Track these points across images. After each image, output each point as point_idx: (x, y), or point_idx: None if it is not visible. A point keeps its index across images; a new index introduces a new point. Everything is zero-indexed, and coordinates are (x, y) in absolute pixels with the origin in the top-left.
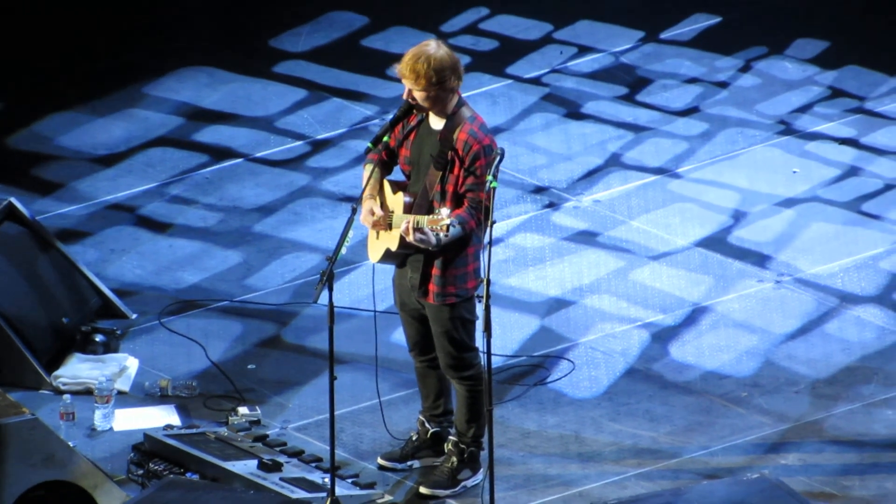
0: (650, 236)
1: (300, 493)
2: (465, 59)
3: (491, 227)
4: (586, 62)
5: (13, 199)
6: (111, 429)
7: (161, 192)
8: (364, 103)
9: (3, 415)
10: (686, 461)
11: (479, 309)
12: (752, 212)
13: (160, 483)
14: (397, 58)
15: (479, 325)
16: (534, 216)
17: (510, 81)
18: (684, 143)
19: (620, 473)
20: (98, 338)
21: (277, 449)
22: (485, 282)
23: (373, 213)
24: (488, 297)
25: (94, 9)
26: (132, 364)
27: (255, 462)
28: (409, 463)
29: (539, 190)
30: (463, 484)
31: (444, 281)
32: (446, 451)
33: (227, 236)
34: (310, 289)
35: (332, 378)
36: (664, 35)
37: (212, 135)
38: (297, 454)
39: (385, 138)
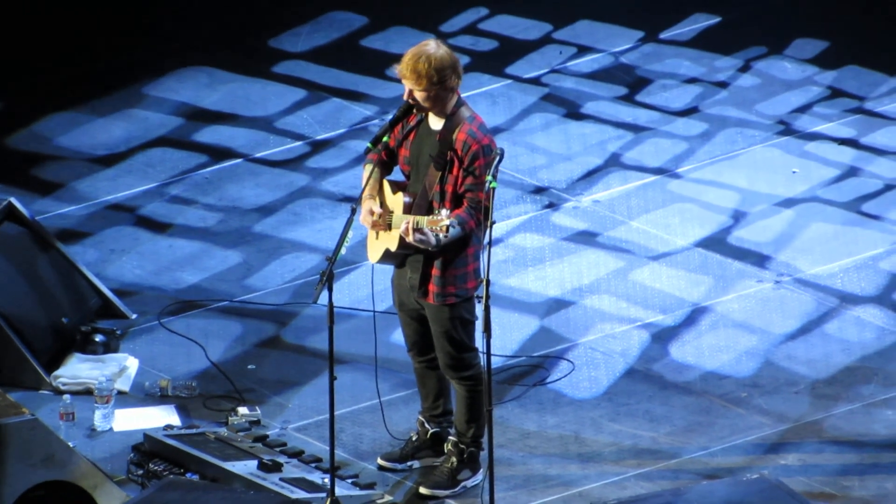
0: (650, 236)
1: (300, 494)
2: (464, 60)
3: (490, 227)
4: (586, 62)
5: (13, 199)
6: (111, 429)
7: (161, 192)
8: (363, 103)
9: (3, 415)
10: (686, 461)
11: (479, 309)
12: (751, 212)
13: (160, 483)
14: (397, 58)
15: (479, 325)
16: (533, 216)
17: (510, 81)
18: (684, 143)
19: (620, 474)
20: (98, 338)
21: (277, 449)
22: (484, 282)
23: (372, 214)
24: (488, 297)
25: (94, 9)
26: (132, 364)
27: (254, 462)
28: (408, 463)
29: (539, 190)
30: (463, 484)
31: (443, 281)
32: (446, 451)
33: (227, 236)
34: (309, 289)
35: (332, 378)
36: (664, 35)
37: (211, 135)
38: (296, 454)
39: (384, 138)
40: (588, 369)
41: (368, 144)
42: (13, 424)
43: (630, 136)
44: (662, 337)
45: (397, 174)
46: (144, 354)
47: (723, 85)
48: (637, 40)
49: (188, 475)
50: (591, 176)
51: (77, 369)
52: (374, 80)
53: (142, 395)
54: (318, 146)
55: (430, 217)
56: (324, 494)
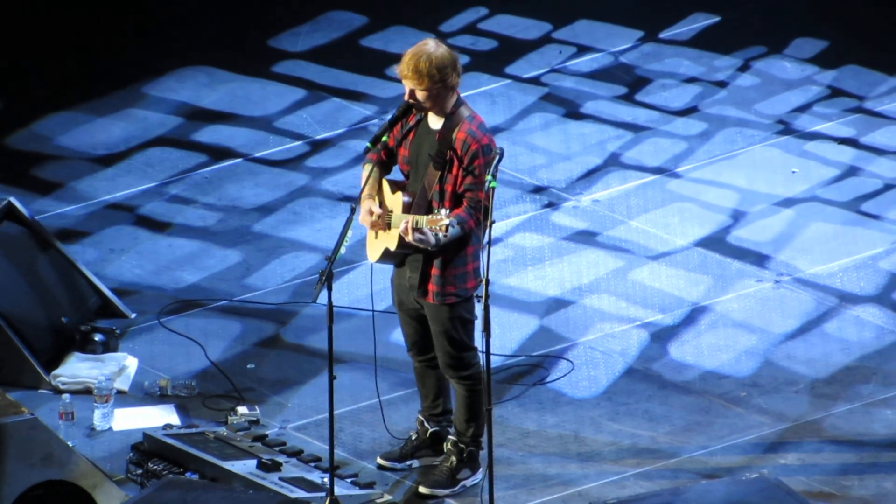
0: (649, 236)
1: (299, 493)
2: (463, 59)
3: (490, 226)
4: (585, 62)
5: (12, 199)
6: (110, 428)
7: (160, 191)
8: (363, 103)
9: (3, 414)
10: (685, 461)
11: (479, 309)
12: (751, 211)
13: (159, 483)
14: (396, 58)
15: (479, 324)
16: (533, 216)
17: (509, 81)
18: (683, 142)
19: (619, 473)
20: (97, 337)
21: (276, 448)
22: (484, 281)
23: (371, 214)
24: (487, 296)
25: (94, 9)
26: (131, 363)
27: (254, 462)
28: (408, 462)
29: (538, 190)
30: (462, 483)
31: (443, 281)
32: (445, 450)
33: (227, 236)
34: (309, 288)
35: (332, 377)
36: (663, 34)
37: (211, 135)
38: (296, 454)
39: (384, 138)
40: (587, 369)
41: (367, 144)
42: (12, 424)
43: (629, 135)
44: (662, 336)
45: (396, 174)
46: (144, 354)
47: (722, 84)
48: (636, 40)
49: (187, 474)
50: (590, 175)
51: (76, 368)
52: (373, 80)
53: (141, 394)
54: (318, 146)
55: (430, 216)
56: (323, 494)
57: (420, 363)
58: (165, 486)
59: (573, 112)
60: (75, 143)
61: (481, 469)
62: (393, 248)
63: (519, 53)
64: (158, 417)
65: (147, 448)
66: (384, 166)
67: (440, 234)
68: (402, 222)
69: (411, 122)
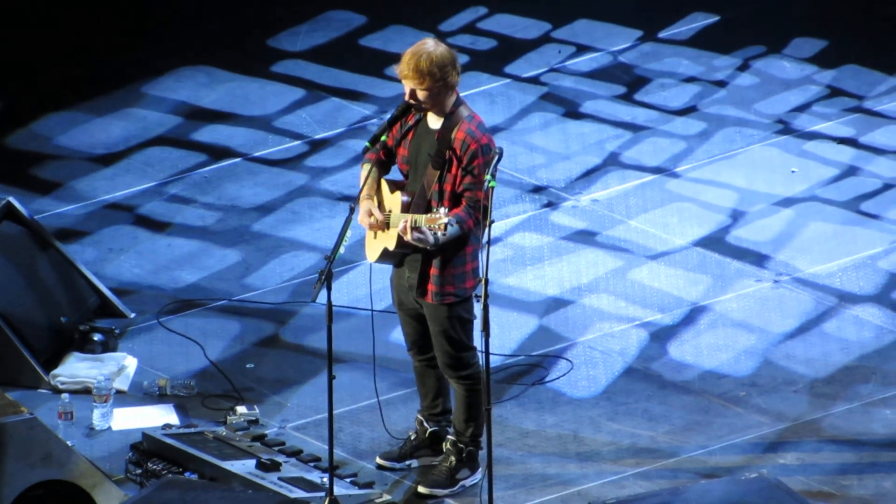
0: (648, 236)
1: (298, 493)
2: (463, 59)
3: (489, 226)
4: (584, 61)
5: (12, 199)
6: (109, 428)
7: (159, 191)
8: (362, 103)
9: (2, 414)
10: (684, 460)
11: (478, 308)
12: (750, 211)
13: (158, 482)
14: (396, 57)
15: (478, 324)
16: (532, 215)
17: (508, 81)
18: (682, 142)
19: (619, 473)
20: (96, 337)
21: (276, 448)
22: (483, 281)
23: (370, 215)
24: (487, 296)
25: (94, 9)
26: (130, 363)
27: (253, 461)
28: (407, 462)
29: (537, 189)
30: (461, 483)
31: (442, 280)
32: (445, 450)
33: (226, 235)
34: (308, 288)
35: (331, 377)
36: (662, 34)
37: (210, 134)
38: (295, 453)
39: (383, 138)
40: (587, 368)
41: (366, 144)
42: (12, 423)
43: (629, 135)
44: (661, 336)
45: (395, 174)
46: (143, 353)
47: (721, 84)
48: (636, 39)
49: (187, 474)
50: (589, 175)
51: (75, 368)
52: (372, 80)
53: (140, 394)
54: (317, 145)
55: (429, 215)
56: (322, 494)
57: (420, 362)
58: (164, 486)
59: (572, 112)
60: (75, 142)
61: (480, 469)
62: (392, 247)
63: (518, 53)
64: (157, 417)
65: (146, 448)
66: (383, 166)
67: (439, 233)
68: (401, 221)
69: (410, 122)
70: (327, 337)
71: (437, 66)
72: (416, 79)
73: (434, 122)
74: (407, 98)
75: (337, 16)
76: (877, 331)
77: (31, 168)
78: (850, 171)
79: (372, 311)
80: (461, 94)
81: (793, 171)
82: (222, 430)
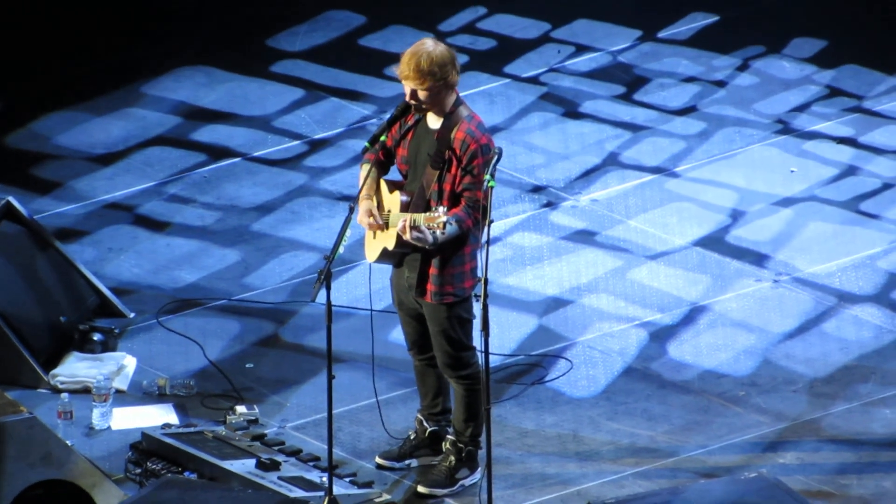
0: (648, 235)
1: (298, 492)
2: (462, 59)
3: (489, 226)
4: (584, 61)
5: (11, 198)
6: (109, 427)
7: (159, 191)
8: (362, 103)
9: (1, 413)
10: (684, 460)
11: (477, 308)
12: (749, 211)
13: (158, 482)
14: (395, 57)
15: (477, 324)
16: (532, 215)
17: (508, 80)
18: (682, 142)
19: (618, 472)
20: (96, 336)
21: (275, 448)
22: (483, 281)
23: (369, 215)
24: (486, 296)
25: (93, 8)
26: (130, 363)
27: (253, 461)
28: (406, 462)
29: (537, 189)
30: (461, 483)
31: (441, 280)
32: (444, 450)
33: (225, 235)
34: (307, 287)
35: (330, 377)
36: (662, 34)
37: (209, 134)
38: (294, 453)
39: (382, 138)
40: (586, 368)
41: (366, 144)
42: (11, 423)
43: (628, 135)
44: (660, 336)
45: (394, 174)
46: (142, 353)
47: (721, 84)
48: (635, 39)
49: (186, 474)
50: (589, 175)
51: (75, 368)
52: (372, 80)
53: (140, 393)
54: (316, 145)
55: (428, 214)
56: (322, 493)
57: (420, 362)
58: (164, 486)
59: (572, 111)
60: (74, 142)
61: (480, 468)
62: (391, 247)
63: (517, 53)
64: (157, 417)
65: (146, 447)
66: (382, 166)
67: (438, 232)
68: (400, 221)
69: (410, 122)
70: (327, 337)
71: (438, 65)
72: (417, 79)
73: (434, 121)
74: (408, 99)
75: (336, 16)
76: (876, 330)
77: (31, 168)
78: (850, 170)
79: (371, 310)
80: (460, 94)
81: (792, 171)
82: (222, 430)
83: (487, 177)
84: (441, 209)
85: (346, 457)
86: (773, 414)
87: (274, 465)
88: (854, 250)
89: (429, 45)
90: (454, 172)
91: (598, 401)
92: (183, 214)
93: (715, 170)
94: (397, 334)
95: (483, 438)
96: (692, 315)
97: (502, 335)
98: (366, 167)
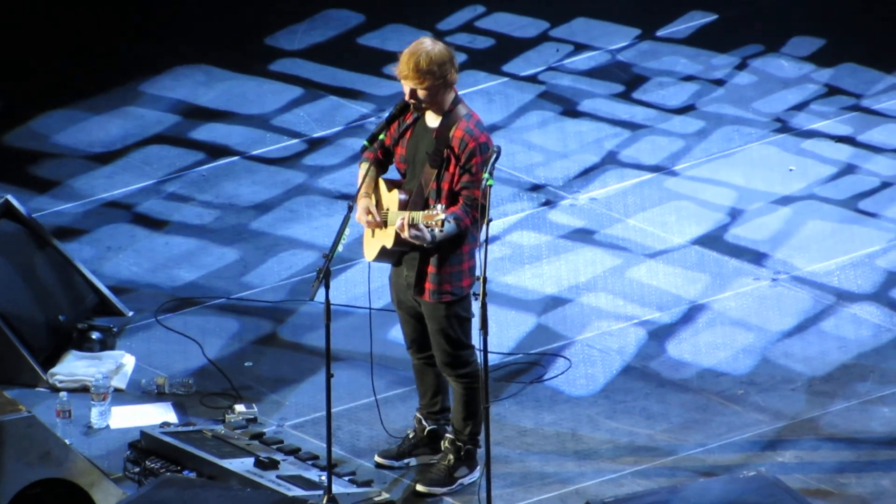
0: (647, 234)
1: (297, 491)
2: (461, 57)
3: (487, 224)
4: (582, 60)
5: (10, 197)
6: (108, 426)
7: (157, 189)
8: (360, 101)
9: (0, 412)
10: (682, 459)
11: (476, 307)
12: (748, 210)
13: (157, 481)
14: (393, 56)
15: (476, 322)
16: (530, 214)
17: (506, 79)
18: (680, 140)
19: (617, 471)
20: (94, 335)
21: (274, 447)
22: (482, 279)
23: (368, 213)
24: (485, 294)
25: (92, 7)
26: (129, 361)
27: (251, 460)
28: (405, 460)
29: (535, 188)
30: (460, 481)
31: (439, 279)
32: (443, 448)
33: (224, 234)
34: (306, 286)
35: (329, 375)
36: (660, 33)
37: (208, 132)
38: (293, 452)
39: (381, 136)
40: (585, 367)
41: (364, 142)
42: (10, 422)
43: (627, 133)
44: (659, 334)
45: (393, 173)
46: (141, 352)
47: (719, 83)
48: (634, 38)
49: (185, 473)
50: (587, 174)
51: (74, 367)
52: (370, 78)
53: (138, 392)
54: (315, 144)
55: (426, 212)
56: (321, 492)
57: (419, 360)
58: (163, 485)
59: (570, 110)
60: (73, 140)
61: (479, 467)
62: (389, 245)
63: (516, 51)
64: (156, 415)
65: (144, 446)
66: (381, 165)
67: (436, 230)
68: (399, 219)
69: (408, 121)
70: (325, 335)
71: (437, 64)
72: (417, 78)
73: (432, 120)
74: (407, 98)
75: (335, 14)
76: (875, 329)
77: (30, 166)
78: (848, 169)
79: (370, 309)
80: (459, 93)
81: (790, 170)
82: (221, 429)
83: (486, 175)
84: (439, 207)
85: (344, 455)
86: (772, 412)
87: (273, 464)
88: (853, 249)
89: (427, 45)
90: (452, 171)
91: (596, 399)
92: (181, 213)
93: (713, 168)
94: (396, 333)
95: (482, 437)
96: (691, 314)
97: (501, 334)
98: (364, 166)
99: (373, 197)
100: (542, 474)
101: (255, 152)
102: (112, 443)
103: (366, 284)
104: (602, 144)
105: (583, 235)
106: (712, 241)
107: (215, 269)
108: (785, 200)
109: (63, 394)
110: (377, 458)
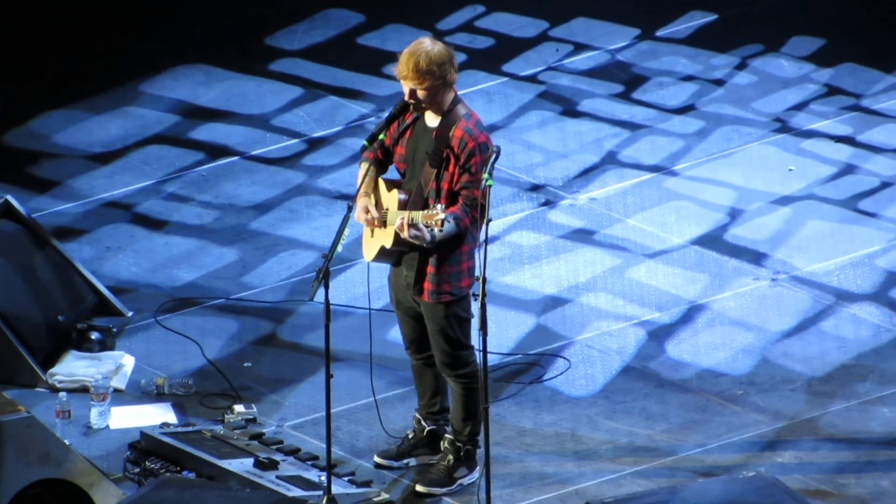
0: (646, 234)
1: (296, 492)
2: (460, 57)
3: (487, 225)
4: (582, 60)
5: (9, 197)
6: (107, 427)
7: (157, 189)
8: (360, 101)
9: (0, 412)
10: (682, 459)
11: (475, 307)
12: (748, 210)
13: (156, 481)
14: (393, 56)
15: (475, 323)
16: (530, 214)
17: (506, 79)
18: (680, 140)
19: (616, 471)
20: (94, 335)
21: (273, 447)
22: (481, 280)
23: (367, 212)
24: (484, 294)
25: (92, 7)
26: (128, 362)
27: (251, 460)
28: (405, 461)
29: (535, 188)
30: (459, 482)
31: (438, 279)
32: (442, 449)
33: (223, 234)
34: (306, 286)
35: (329, 376)
36: (660, 32)
37: (208, 132)
38: (293, 452)
39: (380, 136)
40: (584, 367)
41: (364, 142)
42: (9, 422)
43: (626, 133)
44: (659, 334)
45: (393, 173)
46: (141, 352)
47: (719, 83)
48: (633, 38)
49: (184, 473)
50: (587, 174)
51: (73, 367)
52: (370, 78)
53: (138, 392)
54: (315, 144)
55: (425, 212)
56: (320, 492)
57: (418, 361)
58: (162, 485)
59: (570, 110)
60: (72, 140)
61: (478, 467)
62: (389, 245)
63: (516, 51)
64: (155, 416)
65: (144, 446)
66: (381, 165)
67: (435, 230)
68: (398, 218)
69: (408, 121)
70: (325, 335)
71: (437, 64)
72: (416, 79)
73: (432, 120)
74: (407, 98)
75: (335, 14)
76: (874, 329)
77: (29, 166)
78: (848, 169)
79: (370, 309)
80: (459, 93)
81: (790, 170)
82: (220, 429)
83: (485, 175)
84: (439, 206)
85: (344, 456)
86: (772, 413)
87: (272, 465)
88: (852, 249)
89: (427, 45)
90: (452, 171)
91: (596, 400)
92: (181, 213)
93: (713, 168)
94: (395, 333)
95: (481, 437)
96: (690, 314)
97: (500, 334)
98: (364, 166)
99: (372, 197)
100: (542, 475)
101: (254, 152)
102: (111, 443)
103: (365, 285)
104: (602, 144)
105: (582, 235)
106: (712, 241)
107: (215, 270)
108: (784, 200)
109: (62, 394)
110: (376, 459)
